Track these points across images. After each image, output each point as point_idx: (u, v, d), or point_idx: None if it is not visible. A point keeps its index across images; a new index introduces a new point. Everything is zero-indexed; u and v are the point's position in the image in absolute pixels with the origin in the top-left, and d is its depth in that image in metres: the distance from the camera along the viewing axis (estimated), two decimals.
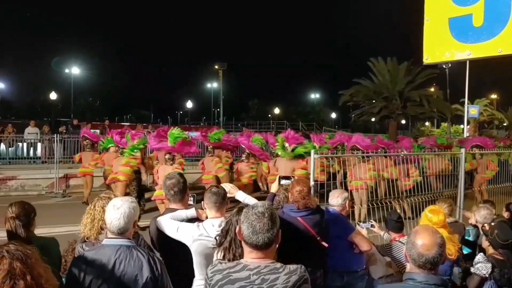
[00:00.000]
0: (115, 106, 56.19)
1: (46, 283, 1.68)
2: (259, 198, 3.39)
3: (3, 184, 11.69)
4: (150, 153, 10.85)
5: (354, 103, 28.02)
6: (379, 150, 8.43)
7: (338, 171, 7.43)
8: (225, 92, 44.50)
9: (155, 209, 8.07)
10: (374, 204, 5.58)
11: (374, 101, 26.17)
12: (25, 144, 14.68)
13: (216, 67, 41.84)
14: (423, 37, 1.95)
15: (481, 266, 3.32)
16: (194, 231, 2.75)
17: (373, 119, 29.27)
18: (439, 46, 1.88)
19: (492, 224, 3.68)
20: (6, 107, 46.08)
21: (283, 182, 3.85)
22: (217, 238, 2.45)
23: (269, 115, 52.29)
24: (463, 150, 6.44)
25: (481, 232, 3.91)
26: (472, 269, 3.42)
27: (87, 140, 10.27)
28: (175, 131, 7.96)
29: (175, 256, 2.90)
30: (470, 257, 3.86)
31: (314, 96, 59.99)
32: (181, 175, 3.20)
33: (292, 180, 3.63)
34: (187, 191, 3.18)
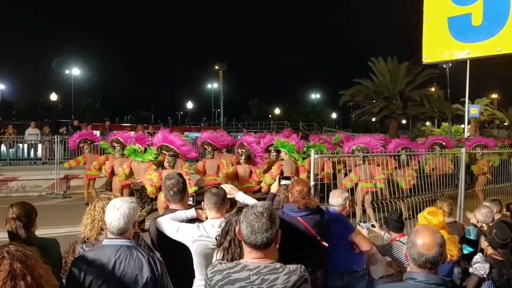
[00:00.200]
0: (116, 107, 56.29)
1: (47, 284, 1.69)
2: (259, 199, 3.39)
3: (3, 185, 11.70)
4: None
5: (355, 103, 28.02)
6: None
7: (339, 171, 7.44)
8: (225, 92, 44.55)
9: (155, 210, 8.09)
10: (375, 204, 5.59)
11: (374, 101, 26.18)
12: (25, 145, 14.69)
13: (217, 67, 41.87)
14: (422, 37, 1.95)
15: (479, 266, 3.32)
16: (194, 231, 2.75)
17: (373, 119, 29.26)
18: (439, 46, 1.88)
19: (491, 224, 3.68)
20: (6, 108, 46.15)
21: (283, 182, 3.86)
22: (217, 238, 2.46)
23: (270, 116, 52.27)
24: (463, 150, 6.43)
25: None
26: (470, 269, 3.41)
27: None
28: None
29: (175, 256, 2.90)
30: (472, 257, 3.85)
31: (315, 96, 60.03)
32: (180, 175, 3.20)
33: (292, 180, 3.63)
34: (186, 192, 3.18)
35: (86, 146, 10.21)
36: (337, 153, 8.10)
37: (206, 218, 2.93)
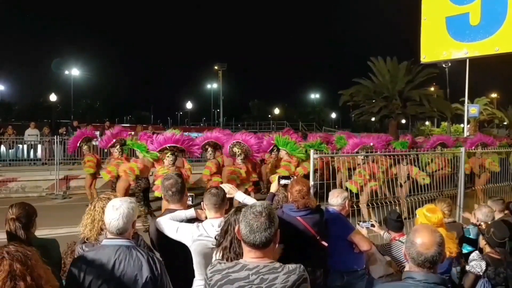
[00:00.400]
0: (115, 107, 56.28)
1: (46, 284, 1.69)
2: (259, 199, 3.40)
3: (3, 186, 11.69)
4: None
5: (354, 103, 28.01)
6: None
7: (338, 171, 7.42)
8: (225, 92, 44.62)
9: (155, 210, 8.09)
10: (374, 204, 5.59)
11: (374, 100, 26.16)
12: (25, 146, 14.68)
13: (216, 67, 41.90)
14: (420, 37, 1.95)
15: (475, 264, 3.32)
16: (194, 231, 2.75)
17: (373, 119, 29.26)
18: (437, 45, 1.89)
19: (489, 222, 3.68)
20: (6, 108, 46.14)
21: (282, 182, 3.86)
22: (216, 238, 2.46)
23: (269, 116, 52.29)
24: (463, 149, 6.43)
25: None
26: (467, 267, 3.42)
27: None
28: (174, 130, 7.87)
29: (174, 256, 2.91)
30: None
31: (314, 96, 60.06)
32: (179, 175, 3.20)
33: (291, 180, 3.63)
34: (185, 192, 3.18)
35: (86, 146, 10.16)
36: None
37: (206, 218, 2.94)
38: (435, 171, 7.15)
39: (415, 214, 3.47)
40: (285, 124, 34.96)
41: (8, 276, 1.58)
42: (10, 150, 14.41)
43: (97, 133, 14.83)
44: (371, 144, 8.20)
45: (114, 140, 9.86)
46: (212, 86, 49.34)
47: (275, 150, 8.74)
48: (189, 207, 3.20)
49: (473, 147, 9.64)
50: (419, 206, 5.35)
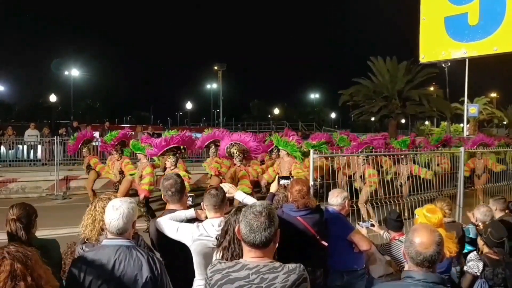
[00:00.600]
0: (115, 108, 56.30)
1: (47, 285, 1.69)
2: (259, 199, 3.40)
3: (3, 186, 11.69)
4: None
5: (354, 103, 28.02)
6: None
7: (339, 171, 7.42)
8: (224, 92, 44.57)
9: (156, 210, 8.09)
10: (374, 204, 5.59)
11: (373, 100, 26.17)
12: (25, 147, 14.67)
13: (216, 67, 41.87)
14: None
15: (472, 264, 3.32)
16: (194, 231, 2.76)
17: (372, 119, 29.27)
18: (435, 45, 1.89)
19: (487, 222, 3.68)
20: (6, 109, 46.14)
21: (282, 181, 3.87)
22: (217, 238, 2.47)
23: (269, 116, 52.30)
24: (462, 149, 6.43)
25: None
26: (465, 267, 3.41)
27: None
28: (170, 132, 7.86)
29: (175, 256, 2.91)
30: None
31: (314, 96, 60.06)
32: (178, 175, 3.20)
33: (291, 179, 3.64)
34: (185, 192, 3.18)
35: (85, 148, 10.13)
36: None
37: (206, 218, 2.94)
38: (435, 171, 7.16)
39: (415, 214, 3.47)
40: (285, 124, 34.97)
41: (8, 276, 1.58)
42: (10, 151, 14.40)
43: (97, 133, 14.84)
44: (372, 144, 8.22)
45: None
46: (212, 86, 49.31)
47: (275, 151, 8.72)
48: (189, 207, 3.21)
49: (474, 147, 9.63)
50: (419, 206, 5.36)
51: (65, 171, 12.35)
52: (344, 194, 3.73)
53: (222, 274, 1.89)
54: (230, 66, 45.89)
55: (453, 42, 1.82)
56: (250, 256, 1.90)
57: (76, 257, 2.52)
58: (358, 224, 4.23)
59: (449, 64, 28.86)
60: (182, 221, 2.95)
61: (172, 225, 2.87)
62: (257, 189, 8.84)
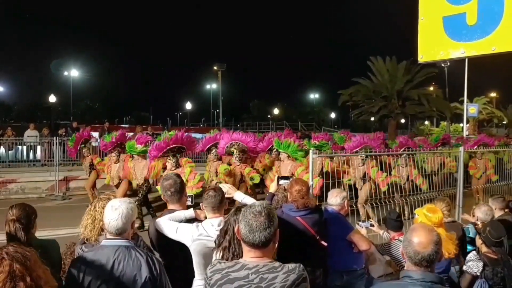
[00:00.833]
0: (115, 108, 56.31)
1: (46, 285, 1.69)
2: (259, 199, 3.41)
3: (3, 187, 11.69)
4: None
5: (354, 103, 28.03)
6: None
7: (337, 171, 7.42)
8: (224, 93, 44.56)
9: (156, 210, 8.10)
10: (373, 204, 5.60)
11: (373, 100, 26.18)
12: (24, 147, 14.67)
13: (215, 68, 41.87)
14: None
15: (472, 265, 3.31)
16: (194, 231, 2.76)
17: (372, 119, 29.28)
18: (434, 45, 1.89)
19: (485, 222, 3.67)
20: (5, 110, 46.14)
21: (281, 182, 3.87)
22: (217, 238, 2.47)
23: (269, 116, 52.31)
24: (461, 149, 6.44)
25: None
26: (464, 267, 3.41)
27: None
28: (168, 133, 7.85)
29: (174, 256, 2.91)
30: None
31: (314, 96, 60.06)
32: (178, 175, 3.20)
33: (290, 180, 3.64)
34: (184, 192, 3.18)
35: (85, 148, 10.10)
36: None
37: (205, 218, 2.94)
38: (434, 171, 7.15)
39: (415, 214, 3.47)
40: (284, 124, 34.98)
41: (8, 277, 1.58)
42: (9, 151, 14.40)
43: (96, 133, 14.84)
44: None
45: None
46: (212, 86, 49.30)
47: (275, 150, 8.71)
48: (188, 207, 3.21)
49: (475, 147, 9.64)
50: (418, 206, 5.37)
51: (64, 171, 12.36)
52: (343, 194, 3.74)
53: (221, 274, 1.90)
54: (230, 66, 45.97)
55: (451, 42, 1.82)
56: (249, 256, 1.90)
57: (75, 257, 2.52)
58: (358, 224, 4.23)
59: (448, 64, 28.87)
60: (181, 221, 2.95)
61: (172, 225, 2.87)
62: (258, 189, 8.84)
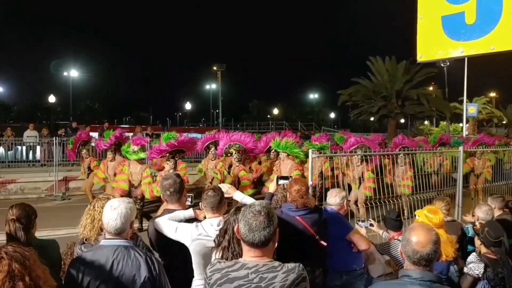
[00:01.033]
0: (114, 108, 56.29)
1: (45, 284, 1.69)
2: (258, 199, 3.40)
3: (2, 187, 11.68)
4: None
5: (353, 103, 28.06)
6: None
7: (337, 173, 7.44)
8: (224, 93, 44.57)
9: (154, 211, 8.08)
10: (373, 204, 5.59)
11: (373, 100, 26.21)
12: (24, 147, 14.66)
13: (215, 68, 41.89)
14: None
15: (473, 266, 3.30)
16: (193, 231, 2.76)
17: (372, 119, 29.30)
18: (433, 45, 1.89)
19: (483, 222, 3.66)
20: (5, 110, 46.11)
21: (281, 182, 3.87)
22: (216, 238, 2.47)
23: (268, 116, 52.32)
24: (461, 148, 6.44)
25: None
26: (465, 269, 3.39)
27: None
28: (168, 134, 7.85)
29: (174, 256, 2.91)
30: None
31: (313, 96, 60.07)
32: (177, 175, 3.20)
33: (290, 179, 3.64)
34: (184, 192, 3.18)
35: (84, 150, 10.04)
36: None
37: (204, 218, 2.94)
38: (433, 171, 7.15)
39: (414, 214, 3.46)
40: (284, 124, 35.01)
41: (7, 276, 1.58)
42: (9, 152, 14.38)
43: (96, 134, 14.81)
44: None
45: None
46: (211, 86, 49.32)
47: (273, 151, 8.71)
48: (187, 207, 3.21)
49: (474, 147, 9.65)
50: (417, 206, 5.37)
51: (64, 171, 12.35)
52: (342, 194, 3.74)
53: (221, 274, 1.90)
54: (230, 66, 45.92)
55: (450, 41, 1.82)
56: (249, 256, 1.91)
57: (74, 257, 2.51)
58: (357, 224, 4.23)
59: (448, 63, 28.87)
60: (180, 221, 2.95)
61: (171, 225, 2.86)
62: (258, 189, 8.84)
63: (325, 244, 3.20)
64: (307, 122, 40.96)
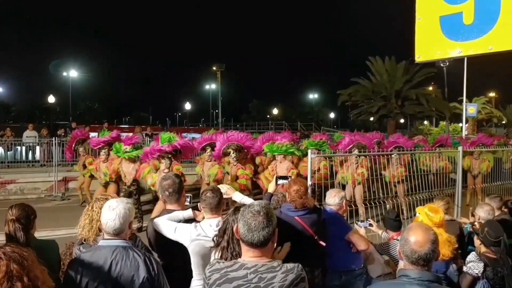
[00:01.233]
0: (114, 109, 56.25)
1: (43, 285, 1.69)
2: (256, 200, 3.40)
3: (2, 188, 11.69)
4: None
5: (353, 103, 28.10)
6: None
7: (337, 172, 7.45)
8: (223, 93, 44.60)
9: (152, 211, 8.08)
10: (371, 203, 5.60)
11: (372, 100, 26.24)
12: (23, 148, 14.67)
13: (214, 68, 41.89)
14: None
15: (473, 266, 3.30)
16: (192, 231, 2.76)
17: (371, 119, 29.32)
18: (431, 45, 1.90)
19: (482, 222, 3.66)
20: (4, 110, 46.06)
21: (280, 182, 3.87)
22: (215, 238, 2.47)
23: (268, 116, 52.31)
24: (460, 148, 6.45)
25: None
26: (464, 268, 3.39)
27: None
28: (167, 134, 7.84)
29: (172, 257, 2.91)
30: None
31: (313, 96, 60.07)
32: (177, 176, 3.20)
33: (289, 179, 3.64)
34: (183, 192, 3.18)
35: (81, 148, 10.07)
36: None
37: (203, 218, 2.94)
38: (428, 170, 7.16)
39: (414, 214, 3.46)
40: (283, 125, 34.98)
41: (5, 277, 1.58)
42: (8, 152, 14.40)
43: (95, 134, 14.79)
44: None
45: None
46: (211, 86, 49.31)
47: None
48: (186, 207, 3.20)
49: (472, 147, 9.65)
50: (416, 206, 5.37)
51: (63, 172, 12.35)
52: (341, 194, 3.74)
53: (220, 274, 1.90)
54: (229, 67, 45.93)
55: (448, 42, 1.82)
56: (248, 256, 1.91)
57: (73, 258, 2.51)
58: (356, 224, 4.23)
59: (447, 63, 28.89)
60: (179, 221, 2.95)
61: (170, 225, 2.86)
62: (257, 190, 8.84)
63: (324, 244, 3.20)
64: (307, 122, 40.95)
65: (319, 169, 6.13)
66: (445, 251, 3.15)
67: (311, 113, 52.63)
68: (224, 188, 3.34)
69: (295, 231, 3.10)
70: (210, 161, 8.62)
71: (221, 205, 2.91)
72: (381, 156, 7.50)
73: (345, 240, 3.53)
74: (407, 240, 1.94)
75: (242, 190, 6.93)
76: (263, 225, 1.85)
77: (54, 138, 13.04)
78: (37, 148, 14.64)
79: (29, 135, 14.89)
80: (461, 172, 6.29)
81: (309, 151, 5.15)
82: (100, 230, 2.57)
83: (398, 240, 3.83)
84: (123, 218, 2.24)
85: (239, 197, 3.46)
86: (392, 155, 7.76)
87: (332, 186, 5.03)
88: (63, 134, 16.01)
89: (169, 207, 3.11)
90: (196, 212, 3.02)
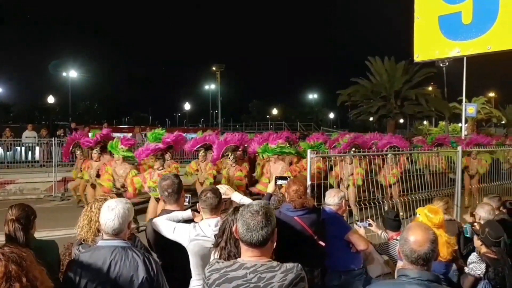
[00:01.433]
0: (114, 109, 56.18)
1: (42, 285, 1.69)
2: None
3: (1, 188, 11.69)
4: None
5: (352, 103, 28.13)
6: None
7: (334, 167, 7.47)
8: (223, 93, 44.60)
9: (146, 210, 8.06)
10: (367, 204, 5.60)
11: (372, 100, 26.27)
12: (23, 148, 14.67)
13: (214, 68, 41.89)
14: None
15: (475, 266, 3.30)
16: (191, 231, 2.75)
17: (371, 119, 29.35)
18: (430, 44, 1.90)
19: (482, 222, 3.66)
20: (4, 110, 46.01)
21: (279, 182, 3.86)
22: (215, 238, 2.47)
23: (268, 116, 52.30)
24: (459, 148, 6.44)
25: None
26: (466, 269, 3.39)
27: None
28: (153, 133, 7.83)
29: (172, 257, 2.91)
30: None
31: (312, 96, 60.07)
32: (176, 176, 3.19)
33: (288, 180, 3.64)
34: (182, 192, 3.17)
35: (79, 151, 9.99)
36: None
37: (202, 219, 2.94)
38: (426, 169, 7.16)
39: (410, 214, 3.46)
40: (283, 125, 35.00)
41: (3, 277, 1.58)
42: (8, 152, 14.40)
43: None
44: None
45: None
46: (211, 87, 49.31)
47: None
48: (185, 208, 3.20)
49: (469, 147, 9.66)
50: (413, 206, 5.37)
51: (63, 172, 12.34)
52: (341, 194, 3.74)
53: (220, 274, 1.90)
54: (229, 67, 45.91)
55: (447, 41, 1.82)
56: (247, 255, 1.91)
57: (72, 258, 2.51)
58: (356, 224, 4.24)
59: (447, 63, 28.91)
60: (178, 221, 2.94)
61: (169, 225, 2.86)
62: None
63: (323, 244, 3.20)
64: (307, 122, 40.96)
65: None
66: (444, 252, 3.15)
67: (310, 113, 52.61)
68: (223, 188, 3.34)
69: (295, 231, 3.10)
70: (204, 162, 8.62)
71: (221, 205, 2.91)
72: (376, 157, 7.53)
73: (344, 240, 3.54)
74: (407, 239, 1.93)
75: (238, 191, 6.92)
76: (262, 225, 1.86)
77: (53, 138, 13.04)
78: (37, 148, 14.65)
79: (29, 135, 14.89)
80: (460, 172, 6.28)
81: (308, 151, 5.15)
82: (98, 230, 2.57)
83: (397, 240, 3.83)
84: (122, 218, 2.24)
85: (238, 197, 3.45)
86: (387, 156, 7.77)
87: (328, 187, 5.02)
88: (62, 134, 16.00)
89: (168, 207, 3.11)
90: (195, 213, 3.02)
